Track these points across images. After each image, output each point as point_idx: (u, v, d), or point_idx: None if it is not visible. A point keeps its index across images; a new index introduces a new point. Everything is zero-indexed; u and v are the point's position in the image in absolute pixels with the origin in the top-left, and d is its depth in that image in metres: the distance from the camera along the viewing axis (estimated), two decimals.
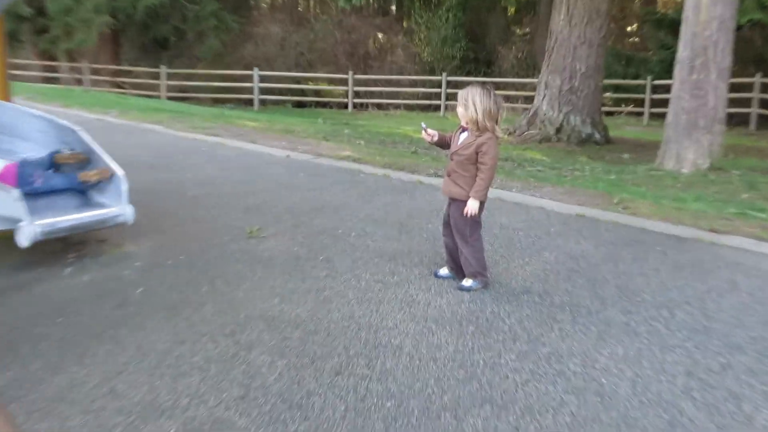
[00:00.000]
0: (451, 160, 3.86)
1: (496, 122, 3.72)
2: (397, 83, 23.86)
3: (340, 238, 4.86)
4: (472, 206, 3.75)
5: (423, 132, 3.94)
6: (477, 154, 3.71)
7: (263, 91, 22.41)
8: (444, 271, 4.11)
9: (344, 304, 3.62)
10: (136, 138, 9.56)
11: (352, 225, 5.21)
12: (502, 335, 3.30)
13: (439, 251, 4.56)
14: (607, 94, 20.23)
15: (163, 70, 22.65)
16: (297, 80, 24.91)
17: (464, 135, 3.82)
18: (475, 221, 3.87)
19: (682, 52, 9.26)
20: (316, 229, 5.07)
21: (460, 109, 3.78)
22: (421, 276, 4.11)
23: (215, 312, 3.48)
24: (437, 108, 21.96)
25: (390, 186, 6.77)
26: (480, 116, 3.66)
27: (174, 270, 4.10)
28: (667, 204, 6.38)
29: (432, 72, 24.05)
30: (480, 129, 3.70)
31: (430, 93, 22.45)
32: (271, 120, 14.23)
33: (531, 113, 14.02)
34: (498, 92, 3.78)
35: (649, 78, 19.24)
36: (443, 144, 3.98)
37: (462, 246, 3.88)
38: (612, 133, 14.37)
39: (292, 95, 23.44)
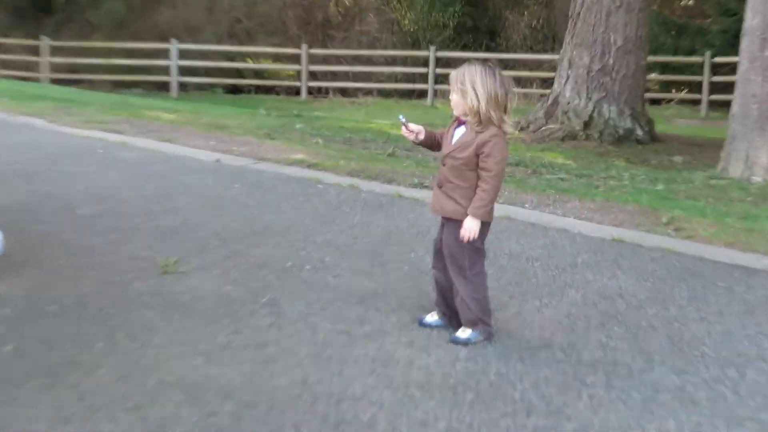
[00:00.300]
0: (443, 165, 3.87)
1: (505, 112, 3.74)
2: (369, 61, 24.00)
3: (290, 273, 4.83)
4: (471, 228, 3.75)
5: (402, 128, 3.95)
6: (478, 156, 3.72)
7: (184, 71, 22.39)
8: (432, 317, 4.10)
9: (294, 365, 3.59)
10: (6, 136, 9.45)
11: (306, 255, 5.19)
12: (512, 406, 3.29)
13: (426, 290, 4.54)
14: (652, 76, 20.54)
15: (45, 42, 22.53)
16: (231, 56, 24.94)
17: (460, 131, 3.83)
18: (477, 249, 3.87)
19: (752, 19, 9.42)
20: (255, 261, 5.04)
21: (454, 97, 3.79)
22: (400, 325, 4.09)
23: (115, 378, 3.42)
24: (423, 94, 22.11)
25: (359, 201, 6.77)
26: (483, 105, 3.67)
27: (57, 319, 4.03)
28: (734, 224, 6.45)
29: (416, 45, 24.24)
30: (482, 122, 3.71)
31: (414, 74, 22.60)
32: (195, 111, 14.19)
33: (550, 101, 14.16)
34: (504, 72, 3.80)
35: (707, 54, 19.58)
36: (432, 144, 3.99)
37: (458, 283, 3.88)
38: (659, 128, 14.54)
39: (225, 77, 23.46)
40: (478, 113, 3.70)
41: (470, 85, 3.70)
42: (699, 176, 9.48)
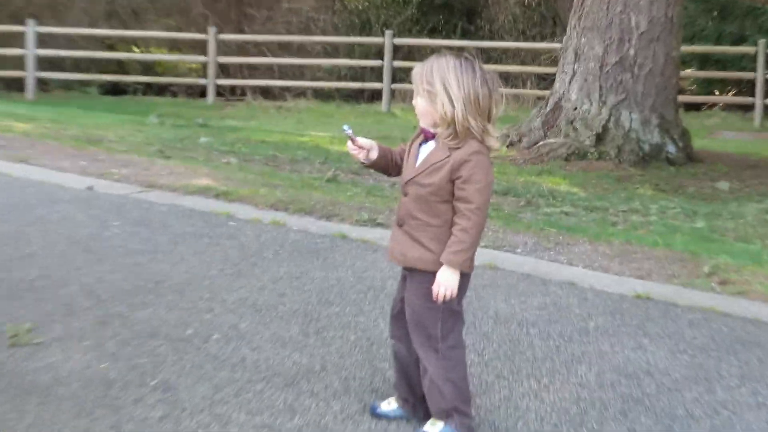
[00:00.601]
0: (405, 195, 3.87)
1: (488, 120, 3.76)
2: (301, 50, 24.08)
3: (191, 344, 4.81)
4: (446, 283, 3.74)
5: (348, 142, 3.95)
6: (453, 182, 3.73)
7: (45, 63, 22.27)
8: (390, 405, 4.09)
9: None
10: None
11: (212, 319, 5.18)
12: None
13: (381, 367, 4.54)
14: (689, 72, 20.83)
15: None
16: (110, 44, 24.87)
17: (428, 148, 3.83)
18: (452, 312, 3.86)
19: None
20: (142, 327, 5.01)
21: (420, 101, 3.79)
22: (345, 416, 4.08)
23: None
24: (376, 96, 22.20)
25: (287, 244, 6.77)
26: (459, 112, 3.68)
27: None
28: None
29: (366, 30, 24.37)
30: (459, 136, 3.72)
31: (363, 68, 22.70)
32: (60, 119, 14.13)
33: (550, 107, 14.29)
34: (488, 66, 3.83)
35: (761, 43, 19.88)
36: (387, 165, 3.99)
37: (427, 359, 3.87)
38: (698, 144, 14.71)
39: (101, 71, 23.36)
40: (453, 123, 3.70)
41: (441, 85, 3.70)
42: (752, 209, 9.60)
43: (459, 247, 3.69)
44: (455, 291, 3.72)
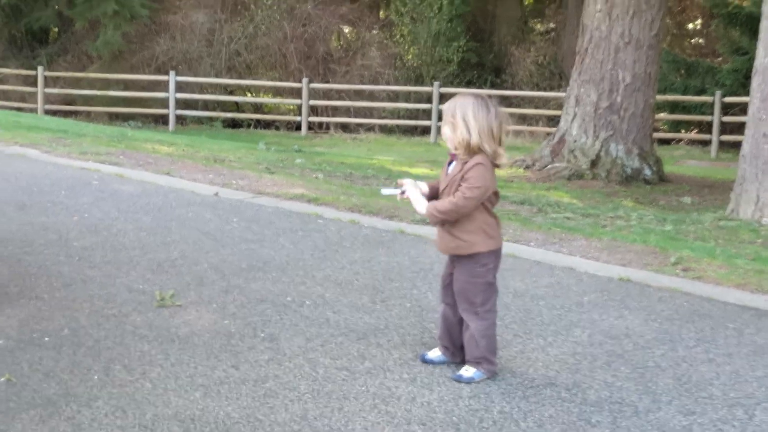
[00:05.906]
0: None
1: (499, 144, 3.82)
2: (370, 96, 24.16)
3: (289, 308, 4.88)
4: (418, 207, 3.91)
5: (397, 196, 4.05)
6: None
7: (182, 104, 22.54)
8: (435, 353, 4.15)
9: (294, 400, 3.63)
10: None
11: (305, 290, 5.24)
12: None
13: (428, 326, 4.59)
14: (661, 115, 20.67)
15: (41, 72, 22.70)
16: (230, 90, 25.15)
17: (452, 166, 3.92)
18: (489, 284, 3.95)
19: (763, 57, 9.54)
20: (254, 295, 5.09)
21: (445, 130, 3.87)
22: (402, 361, 4.13)
23: (111, 410, 3.46)
24: (426, 131, 22.21)
25: (360, 236, 6.81)
26: (474, 138, 3.75)
27: (53, 351, 4.07)
28: (744, 265, 6.50)
29: (419, 81, 24.41)
30: (470, 153, 3.80)
31: (417, 110, 22.73)
32: (194, 144, 14.28)
33: (556, 140, 14.27)
34: (510, 110, 3.88)
35: (718, 93, 19.71)
36: (436, 194, 4.02)
37: (469, 319, 3.94)
38: (668, 169, 14.65)
39: (223, 111, 23.62)
40: (468, 146, 3.78)
41: (462, 118, 3.77)
42: (708, 217, 9.54)
43: (440, 206, 3.86)
44: (418, 208, 3.93)
